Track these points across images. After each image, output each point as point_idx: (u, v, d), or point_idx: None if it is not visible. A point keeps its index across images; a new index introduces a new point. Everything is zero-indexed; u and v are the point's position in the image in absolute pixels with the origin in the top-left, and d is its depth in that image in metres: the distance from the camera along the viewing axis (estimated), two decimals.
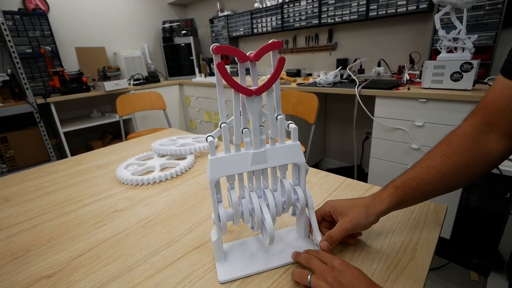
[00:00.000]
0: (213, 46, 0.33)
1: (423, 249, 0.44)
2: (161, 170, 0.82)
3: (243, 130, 0.39)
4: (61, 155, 2.55)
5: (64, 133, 2.32)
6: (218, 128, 0.39)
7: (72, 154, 2.18)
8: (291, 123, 0.42)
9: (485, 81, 1.27)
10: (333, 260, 0.38)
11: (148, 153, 0.94)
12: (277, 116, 0.41)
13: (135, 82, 2.72)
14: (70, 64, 2.66)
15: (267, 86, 0.37)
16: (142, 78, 2.76)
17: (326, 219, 0.48)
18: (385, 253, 0.44)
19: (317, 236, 0.44)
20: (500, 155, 0.42)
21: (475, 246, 1.37)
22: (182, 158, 0.91)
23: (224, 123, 0.38)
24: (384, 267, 0.41)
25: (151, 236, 0.52)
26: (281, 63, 0.36)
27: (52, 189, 0.75)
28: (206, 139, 0.39)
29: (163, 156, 0.92)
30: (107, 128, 2.90)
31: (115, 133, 2.88)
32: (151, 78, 2.82)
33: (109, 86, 2.38)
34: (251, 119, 0.39)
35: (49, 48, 2.30)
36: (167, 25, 3.06)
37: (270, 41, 0.35)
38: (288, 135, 0.43)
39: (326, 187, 0.66)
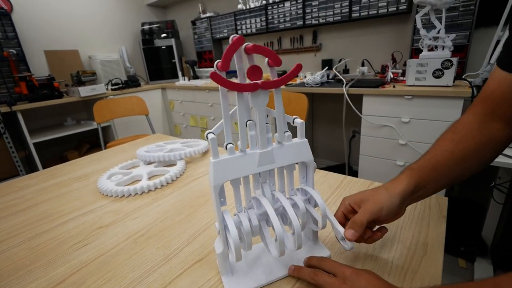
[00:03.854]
0: (217, 63, 0.29)
1: (434, 243, 0.43)
2: (149, 178, 0.76)
3: (247, 123, 0.35)
4: (31, 169, 2.35)
5: (34, 144, 2.14)
6: (220, 123, 0.35)
7: (44, 167, 2.01)
8: (297, 117, 0.39)
9: (464, 77, 1.32)
10: (343, 269, 0.34)
11: (133, 161, 0.87)
12: (285, 132, 0.38)
13: (113, 87, 2.59)
14: (39, 68, 2.48)
15: (276, 83, 0.33)
16: (121, 83, 2.64)
17: (348, 217, 0.43)
18: (397, 250, 0.42)
19: (339, 228, 0.39)
20: (505, 141, 0.43)
21: (461, 234, 1.42)
22: (172, 164, 0.85)
23: (230, 143, 0.34)
24: (399, 266, 0.39)
25: (145, 252, 0.46)
26: (297, 69, 0.33)
27: (23, 207, 0.67)
28: (206, 137, 0.34)
29: (150, 163, 0.85)
30: (84, 137, 2.74)
31: (92, 142, 2.72)
32: (131, 83, 2.69)
33: (85, 91, 2.24)
34: (257, 116, 0.35)
35: (14, 51, 2.12)
36: (146, 26, 2.95)
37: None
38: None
39: (327, 186, 0.64)
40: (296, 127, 0.39)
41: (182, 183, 0.72)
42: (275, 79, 0.33)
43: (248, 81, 0.33)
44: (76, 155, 2.53)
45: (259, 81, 0.33)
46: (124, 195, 0.68)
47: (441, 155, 0.42)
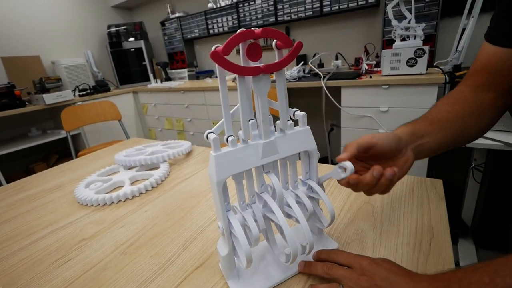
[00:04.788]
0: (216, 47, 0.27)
1: (439, 225, 0.43)
2: (132, 183, 0.71)
3: (250, 122, 0.33)
4: None
5: None
6: (219, 124, 0.32)
7: (9, 182, 1.83)
8: (297, 110, 0.37)
9: (435, 65, 1.39)
10: (360, 260, 0.32)
11: (111, 167, 0.81)
12: (287, 121, 0.36)
13: (81, 93, 2.42)
14: None
15: (278, 65, 0.31)
16: (89, 88, 2.47)
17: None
18: (404, 236, 0.42)
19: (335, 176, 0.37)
20: (500, 109, 0.44)
21: None
22: (155, 168, 0.80)
23: (231, 135, 0.32)
24: (409, 251, 0.39)
25: (137, 263, 0.42)
26: (298, 47, 0.31)
27: None
28: (207, 137, 0.32)
29: (131, 168, 0.80)
30: (52, 148, 2.54)
31: (62, 153, 2.53)
32: (100, 88, 2.54)
33: (50, 98, 2.07)
34: (260, 102, 0.33)
35: None
36: (113, 29, 2.80)
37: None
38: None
39: None
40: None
41: (169, 186, 0.68)
42: (276, 61, 0.30)
43: (251, 63, 0.30)
44: (44, 166, 2.33)
45: (260, 65, 0.31)
46: (106, 203, 0.62)
47: (437, 113, 0.42)
